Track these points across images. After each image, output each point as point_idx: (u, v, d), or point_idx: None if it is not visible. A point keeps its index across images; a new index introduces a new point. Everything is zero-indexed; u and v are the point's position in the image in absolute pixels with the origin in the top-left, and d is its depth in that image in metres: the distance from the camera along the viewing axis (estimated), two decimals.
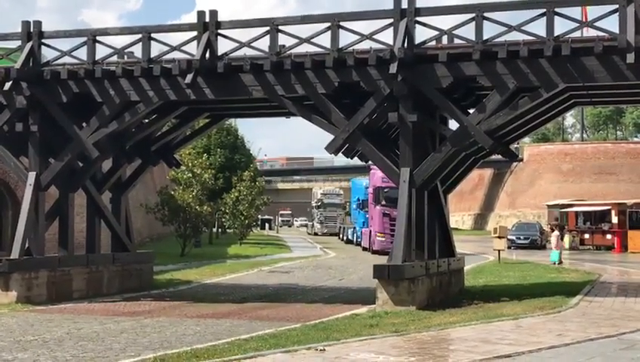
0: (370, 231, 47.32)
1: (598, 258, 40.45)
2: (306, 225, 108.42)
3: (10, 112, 21.82)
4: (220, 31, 20.68)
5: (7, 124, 22.08)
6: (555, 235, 36.31)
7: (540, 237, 51.21)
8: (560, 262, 34.02)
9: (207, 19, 20.62)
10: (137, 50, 21.65)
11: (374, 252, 44.59)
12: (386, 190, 43.63)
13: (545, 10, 18.58)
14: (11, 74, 21.40)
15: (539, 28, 18.83)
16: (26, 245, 21.17)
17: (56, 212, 22.89)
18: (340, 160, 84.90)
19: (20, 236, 21.06)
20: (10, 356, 12.79)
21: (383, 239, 43.93)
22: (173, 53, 21.32)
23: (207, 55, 20.43)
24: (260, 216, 75.45)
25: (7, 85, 21.41)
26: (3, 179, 27.61)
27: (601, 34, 18.68)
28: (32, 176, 21.74)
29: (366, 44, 19.91)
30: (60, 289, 21.51)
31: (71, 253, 22.68)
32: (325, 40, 19.90)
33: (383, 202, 44.67)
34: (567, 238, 47.74)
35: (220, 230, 60.48)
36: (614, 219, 48.80)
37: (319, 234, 77.42)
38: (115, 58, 21.92)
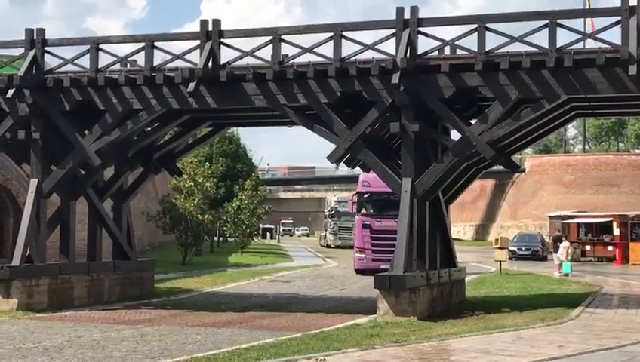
0: None
1: (599, 269, 40.35)
2: (307, 235, 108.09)
3: (12, 120, 21.86)
4: (222, 40, 20.71)
5: (9, 132, 22.12)
6: (564, 246, 35.69)
7: (541, 248, 51.09)
8: (566, 275, 33.70)
9: (210, 28, 20.65)
10: (140, 59, 21.72)
11: (357, 271, 35.16)
12: (365, 195, 35.38)
13: (547, 21, 18.60)
14: (14, 81, 21.43)
15: (541, 39, 18.85)
16: (28, 252, 21.20)
17: (58, 219, 22.90)
18: (342, 169, 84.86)
19: (22, 243, 21.07)
20: None
21: (363, 256, 34.90)
22: (176, 62, 21.36)
23: (210, 64, 20.46)
24: (261, 225, 75.07)
25: (10, 93, 21.44)
26: (5, 187, 27.64)
27: (603, 45, 18.71)
28: (33, 183, 21.76)
29: (368, 54, 19.98)
30: (61, 296, 21.49)
31: (72, 260, 22.66)
32: (328, 50, 19.95)
33: (363, 210, 35.75)
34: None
35: (221, 239, 60.45)
36: (616, 231, 48.72)
37: (332, 246, 67.75)
38: (117, 66, 21.97)
